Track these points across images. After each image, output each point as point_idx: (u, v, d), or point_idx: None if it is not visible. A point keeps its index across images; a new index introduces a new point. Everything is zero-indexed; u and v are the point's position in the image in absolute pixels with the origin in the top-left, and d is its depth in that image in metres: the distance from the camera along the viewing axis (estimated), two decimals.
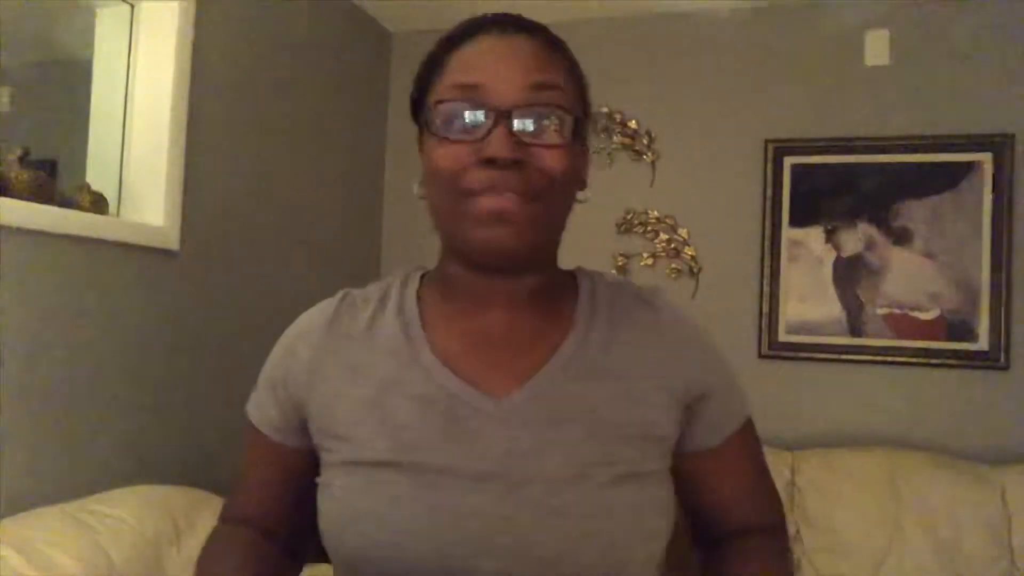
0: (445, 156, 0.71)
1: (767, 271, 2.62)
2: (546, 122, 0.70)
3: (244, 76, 2.21)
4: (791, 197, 2.62)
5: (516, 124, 0.69)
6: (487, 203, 0.69)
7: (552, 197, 0.71)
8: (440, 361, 0.75)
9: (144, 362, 1.87)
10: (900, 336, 2.50)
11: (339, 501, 0.73)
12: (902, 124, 2.54)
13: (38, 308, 1.60)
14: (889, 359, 2.50)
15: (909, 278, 2.51)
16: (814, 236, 2.60)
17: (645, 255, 2.73)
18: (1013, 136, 2.44)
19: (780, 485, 2.31)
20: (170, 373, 1.95)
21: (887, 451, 2.33)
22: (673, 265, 2.71)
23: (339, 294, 0.85)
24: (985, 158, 2.45)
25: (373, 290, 0.84)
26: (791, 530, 2.28)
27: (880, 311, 2.53)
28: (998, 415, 2.41)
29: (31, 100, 2.36)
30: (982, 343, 2.42)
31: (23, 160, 1.58)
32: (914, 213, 2.51)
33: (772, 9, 2.67)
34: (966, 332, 2.44)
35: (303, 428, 0.80)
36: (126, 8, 1.90)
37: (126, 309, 1.81)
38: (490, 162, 0.68)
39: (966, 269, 2.45)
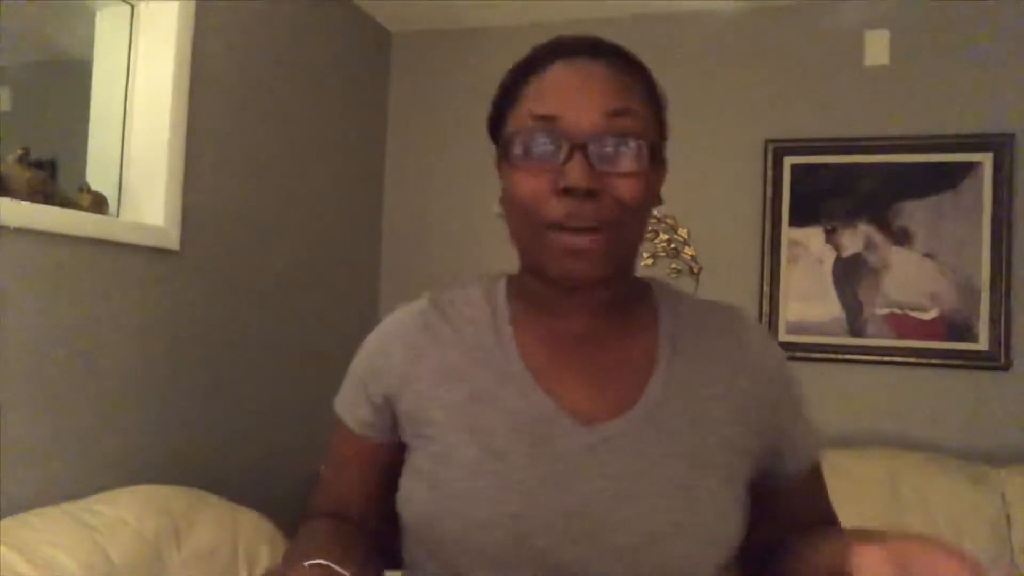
0: (523, 185, 0.73)
1: (767, 271, 2.62)
2: (622, 150, 0.72)
3: (244, 76, 2.21)
4: (791, 197, 2.62)
5: (592, 153, 0.70)
6: (565, 240, 0.71)
7: (626, 224, 0.73)
8: (530, 373, 0.78)
9: (144, 362, 1.87)
10: (900, 336, 2.50)
11: (424, 487, 0.76)
12: (902, 124, 2.54)
13: (38, 308, 1.60)
14: (889, 359, 2.50)
15: (909, 278, 2.50)
16: (814, 236, 2.60)
17: (645, 255, 2.73)
18: (1013, 136, 2.44)
19: None
20: (170, 373, 1.95)
21: (887, 451, 2.33)
22: (673, 265, 2.71)
23: (425, 297, 0.87)
24: (985, 158, 2.45)
25: (458, 294, 0.86)
26: None
27: (880, 311, 2.53)
28: (998, 415, 2.41)
29: (31, 100, 2.36)
30: (982, 343, 2.42)
31: (23, 160, 1.58)
32: (914, 213, 2.51)
33: (772, 9, 2.67)
34: (966, 332, 2.44)
35: (394, 424, 0.83)
36: (126, 8, 1.90)
37: (126, 309, 1.81)
38: (567, 191, 0.70)
39: (966, 269, 2.45)
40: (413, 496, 0.78)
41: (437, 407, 0.78)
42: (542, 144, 0.72)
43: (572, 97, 0.72)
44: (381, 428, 0.83)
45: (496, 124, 0.81)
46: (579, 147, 0.70)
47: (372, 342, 0.87)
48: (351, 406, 0.85)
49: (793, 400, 0.85)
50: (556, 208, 0.71)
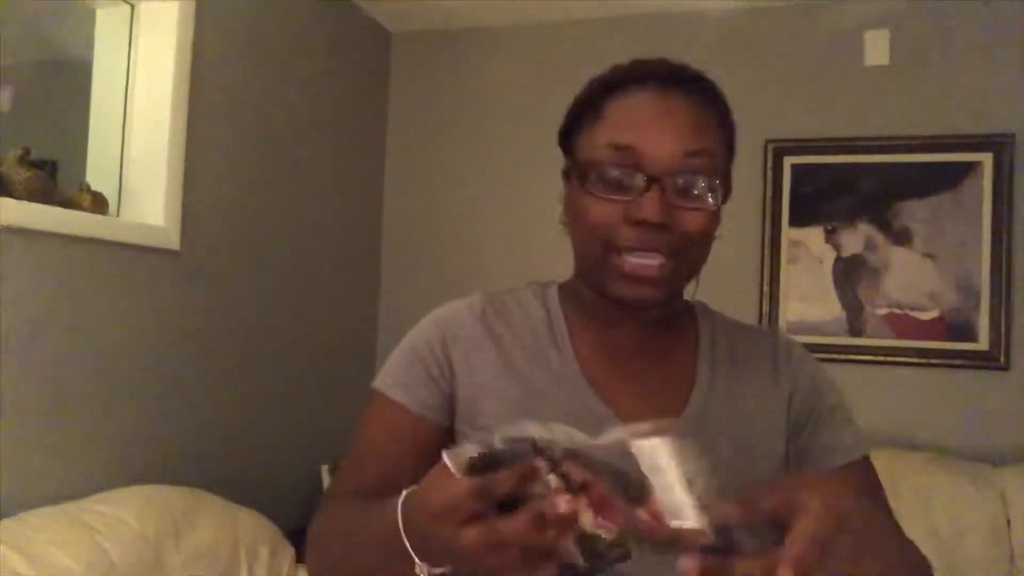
0: (596, 211, 0.75)
1: (767, 271, 2.62)
2: (696, 188, 0.75)
3: (244, 76, 2.21)
4: (791, 197, 2.62)
5: (668, 188, 0.73)
6: (633, 264, 0.74)
7: (692, 254, 0.78)
8: (584, 377, 0.81)
9: (144, 362, 1.87)
10: (900, 336, 2.50)
11: None
12: (902, 124, 2.54)
13: (38, 308, 1.60)
14: (889, 359, 2.50)
15: (909, 278, 2.50)
16: (814, 236, 2.59)
17: None
18: (1013, 136, 2.44)
19: None
20: (170, 373, 1.95)
21: (887, 451, 2.32)
22: None
23: (477, 295, 0.88)
24: (985, 158, 2.45)
25: (510, 296, 0.88)
26: None
27: (880, 311, 2.53)
28: (998, 415, 2.40)
29: (31, 100, 2.36)
30: (982, 343, 2.42)
31: (23, 160, 1.58)
32: (914, 213, 2.51)
33: (772, 9, 2.67)
34: (966, 332, 2.44)
35: (451, 407, 0.83)
36: (126, 8, 1.90)
37: (126, 309, 1.81)
38: (640, 223, 0.73)
39: (966, 269, 2.45)
40: None
41: (493, 398, 0.80)
42: (620, 175, 0.74)
43: (653, 130, 0.74)
44: (441, 410, 0.83)
45: (567, 135, 0.82)
46: (656, 181, 0.73)
47: (430, 326, 0.86)
48: (409, 386, 0.84)
49: (827, 409, 0.87)
50: (627, 236, 0.74)
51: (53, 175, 1.72)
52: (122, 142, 1.90)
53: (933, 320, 2.47)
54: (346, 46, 2.75)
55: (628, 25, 2.78)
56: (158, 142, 1.89)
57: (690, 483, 0.54)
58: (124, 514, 1.53)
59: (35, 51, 2.28)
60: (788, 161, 2.63)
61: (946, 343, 2.46)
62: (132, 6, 1.90)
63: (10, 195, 1.52)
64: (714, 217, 0.77)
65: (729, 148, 0.83)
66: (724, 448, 0.79)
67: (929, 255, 2.49)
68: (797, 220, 2.61)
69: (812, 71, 2.63)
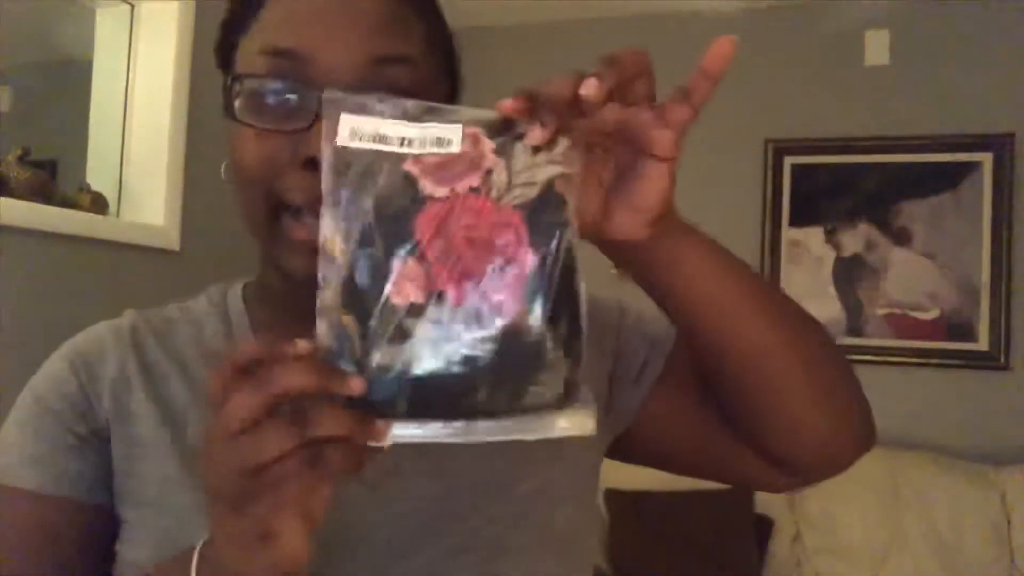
0: (253, 151, 0.53)
1: (767, 271, 2.62)
2: None
3: None
4: (791, 197, 2.62)
5: None
6: (305, 230, 0.51)
7: None
8: None
9: None
10: (900, 336, 2.50)
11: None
12: (902, 124, 2.54)
13: (38, 308, 1.60)
14: (889, 359, 2.50)
15: (909, 278, 2.51)
16: (814, 236, 2.60)
17: None
18: (1013, 136, 2.44)
19: None
20: None
21: (887, 451, 2.32)
22: None
23: (127, 313, 0.67)
24: (985, 158, 2.45)
25: (175, 312, 0.67)
26: (791, 531, 2.28)
27: (880, 311, 2.53)
28: (998, 415, 2.41)
29: (31, 100, 2.36)
30: (982, 343, 2.42)
31: (23, 160, 1.58)
32: (914, 213, 2.51)
33: (772, 9, 2.67)
34: (966, 332, 2.44)
35: (109, 478, 0.58)
36: (126, 8, 1.90)
37: (126, 309, 1.81)
38: (312, 164, 0.48)
39: (966, 269, 2.45)
40: None
41: (151, 459, 0.56)
42: (280, 94, 0.52)
43: (326, 29, 0.52)
44: (99, 484, 0.57)
45: (226, 61, 0.58)
46: None
47: (61, 366, 0.61)
48: (43, 459, 0.57)
49: (616, 327, 0.65)
50: (295, 185, 0.51)
51: (53, 175, 1.72)
52: (122, 142, 1.90)
53: (933, 320, 2.48)
54: None
55: (628, 25, 2.79)
56: (158, 142, 1.89)
57: None
58: None
59: (35, 51, 2.28)
60: (788, 161, 2.63)
61: (946, 343, 2.46)
62: (132, 6, 1.91)
63: (10, 195, 1.53)
64: None
65: (447, 74, 0.59)
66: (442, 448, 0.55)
67: (929, 255, 2.49)
68: (797, 220, 2.61)
69: (812, 71, 2.63)
